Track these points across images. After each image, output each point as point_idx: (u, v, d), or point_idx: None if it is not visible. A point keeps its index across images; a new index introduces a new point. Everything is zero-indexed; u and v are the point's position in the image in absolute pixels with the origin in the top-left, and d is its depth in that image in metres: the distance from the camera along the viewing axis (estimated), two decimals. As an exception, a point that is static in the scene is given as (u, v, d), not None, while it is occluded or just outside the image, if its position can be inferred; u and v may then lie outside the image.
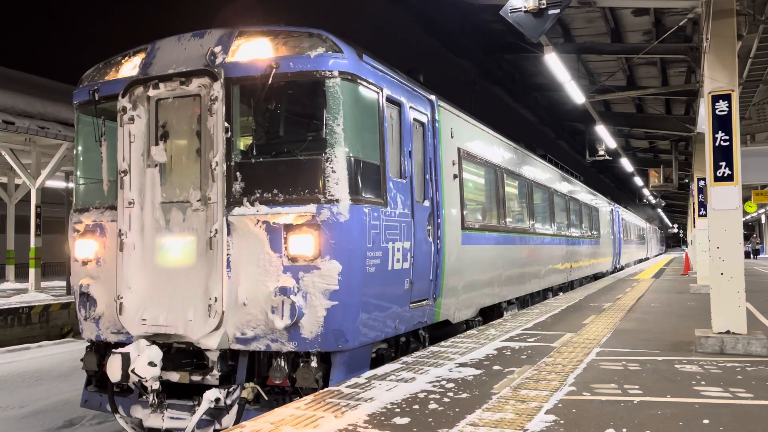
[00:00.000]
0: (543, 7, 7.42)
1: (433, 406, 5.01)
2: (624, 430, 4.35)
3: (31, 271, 19.08)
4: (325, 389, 5.65)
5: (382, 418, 4.68)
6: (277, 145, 6.25)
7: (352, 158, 6.16)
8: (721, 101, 7.31)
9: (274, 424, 4.55)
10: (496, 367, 6.51)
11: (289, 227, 5.96)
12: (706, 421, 4.53)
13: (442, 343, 8.10)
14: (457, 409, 4.92)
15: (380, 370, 6.37)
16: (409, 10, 11.78)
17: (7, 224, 22.41)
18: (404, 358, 7.04)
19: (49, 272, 28.50)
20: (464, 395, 5.36)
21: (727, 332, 7.23)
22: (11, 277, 22.73)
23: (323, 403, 5.10)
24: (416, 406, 4.99)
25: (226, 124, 6.17)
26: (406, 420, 4.63)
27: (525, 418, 4.65)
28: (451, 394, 5.40)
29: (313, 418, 4.66)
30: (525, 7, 7.47)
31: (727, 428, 4.38)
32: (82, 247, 6.91)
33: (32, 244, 19.10)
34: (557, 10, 7.44)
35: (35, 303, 16.28)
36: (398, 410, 4.89)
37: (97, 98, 6.86)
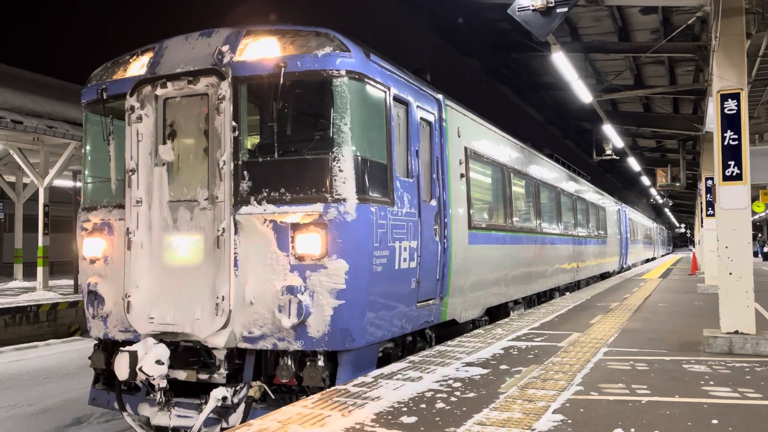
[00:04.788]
0: (551, 5, 7.40)
1: (440, 405, 5.01)
2: (632, 430, 4.33)
3: (39, 270, 19.17)
4: (332, 388, 5.65)
5: (389, 417, 4.68)
6: (284, 144, 6.25)
7: (359, 157, 6.16)
8: (729, 100, 7.28)
9: (281, 422, 4.56)
10: (503, 367, 6.50)
11: (296, 226, 5.97)
12: (714, 422, 4.51)
13: (449, 342, 8.09)
14: (464, 409, 4.91)
15: (387, 369, 6.37)
16: (416, 8, 11.79)
17: (15, 223, 22.54)
18: (411, 357, 7.03)
19: (56, 271, 28.66)
20: (471, 394, 5.36)
21: (736, 332, 7.19)
22: (19, 276, 22.84)
23: (330, 401, 5.11)
24: (423, 405, 4.99)
25: (234, 123, 6.16)
26: (413, 419, 4.63)
27: (533, 417, 4.64)
28: (458, 393, 5.40)
29: (320, 417, 4.67)
30: (533, 6, 7.46)
31: (736, 428, 4.36)
32: (90, 246, 6.93)
33: (40, 243, 19.19)
34: (565, 9, 7.41)
35: (43, 301, 16.36)
36: (405, 409, 4.89)
37: (105, 97, 6.88)
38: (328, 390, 5.58)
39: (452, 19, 12.30)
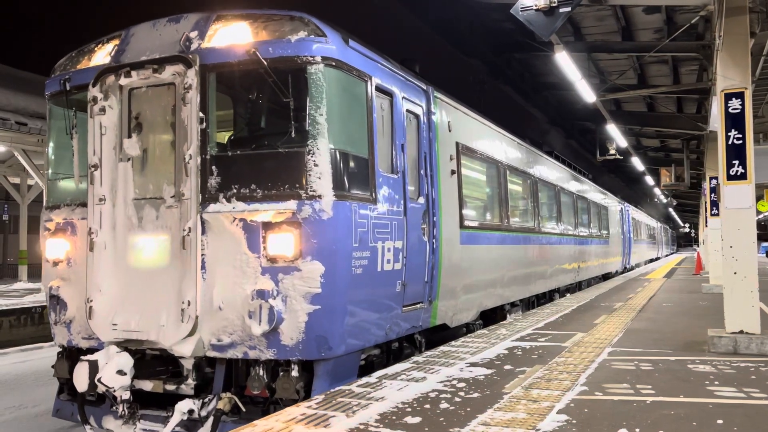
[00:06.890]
0: (554, 5, 7.38)
1: (444, 405, 5.00)
2: (637, 430, 4.32)
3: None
4: (337, 388, 5.61)
5: (394, 418, 4.68)
6: (255, 137, 5.90)
7: (337, 151, 5.76)
8: (734, 99, 7.26)
9: (285, 423, 4.56)
10: (507, 367, 6.49)
11: (267, 225, 5.56)
12: (719, 422, 4.50)
13: (453, 342, 8.04)
14: (468, 409, 4.91)
15: (391, 370, 6.36)
16: (418, 9, 11.80)
17: (20, 224, 22.62)
18: (415, 358, 7.02)
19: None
20: (475, 395, 5.35)
21: (741, 332, 7.18)
22: (24, 277, 22.93)
23: (334, 402, 5.11)
24: (427, 406, 4.99)
25: (201, 115, 5.74)
26: (417, 419, 4.62)
27: (537, 417, 4.63)
28: (462, 393, 5.39)
29: (325, 417, 4.67)
30: (536, 6, 7.44)
31: (741, 428, 4.35)
32: (53, 247, 6.50)
33: (44, 244, 19.21)
34: (568, 8, 7.40)
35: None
36: (409, 410, 4.88)
37: (68, 88, 6.44)
38: (332, 390, 5.54)
39: (454, 20, 12.31)
